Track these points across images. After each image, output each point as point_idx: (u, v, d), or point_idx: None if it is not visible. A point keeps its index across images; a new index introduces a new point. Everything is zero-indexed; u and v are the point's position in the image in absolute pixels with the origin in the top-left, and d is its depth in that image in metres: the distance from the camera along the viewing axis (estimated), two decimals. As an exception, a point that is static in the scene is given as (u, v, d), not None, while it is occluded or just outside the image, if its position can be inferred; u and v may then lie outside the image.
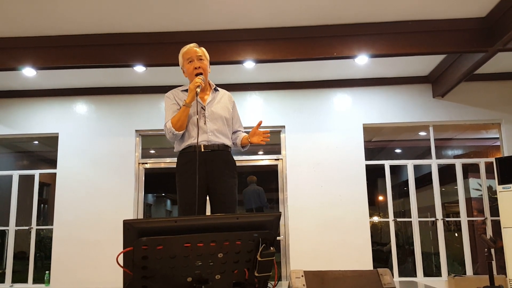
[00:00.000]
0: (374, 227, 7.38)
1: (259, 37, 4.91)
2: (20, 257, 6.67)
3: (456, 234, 6.55)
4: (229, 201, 2.90)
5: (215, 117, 2.95)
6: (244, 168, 6.73)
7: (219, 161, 2.89)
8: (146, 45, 4.99)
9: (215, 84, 3.14)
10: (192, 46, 3.03)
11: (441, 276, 6.08)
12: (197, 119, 2.89)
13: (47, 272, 6.15)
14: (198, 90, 2.81)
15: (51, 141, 6.65)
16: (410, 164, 6.36)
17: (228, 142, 2.99)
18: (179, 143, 3.01)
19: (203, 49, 3.05)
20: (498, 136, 6.45)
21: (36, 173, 6.61)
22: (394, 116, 6.35)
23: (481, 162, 6.36)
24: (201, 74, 2.92)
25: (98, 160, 6.37)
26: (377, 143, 7.64)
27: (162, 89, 6.40)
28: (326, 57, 5.00)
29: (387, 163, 6.39)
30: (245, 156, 6.34)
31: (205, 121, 2.93)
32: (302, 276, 2.87)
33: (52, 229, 6.25)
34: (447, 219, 6.33)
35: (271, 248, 1.62)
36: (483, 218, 6.29)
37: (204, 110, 2.96)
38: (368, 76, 6.31)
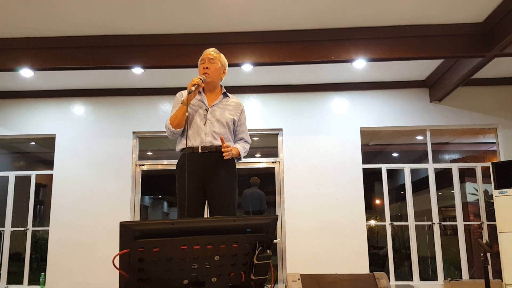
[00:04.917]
0: (370, 231, 7.39)
1: (257, 40, 4.92)
2: (16, 258, 6.64)
3: (453, 238, 6.56)
4: (226, 203, 2.89)
5: (216, 120, 2.96)
6: (241, 171, 6.71)
7: (216, 163, 2.88)
8: (144, 47, 5.00)
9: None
10: (209, 50, 3.07)
11: (437, 280, 6.08)
12: (188, 116, 2.88)
13: (42, 273, 6.12)
14: (193, 88, 2.82)
15: (48, 142, 6.63)
16: (407, 168, 6.38)
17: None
18: (178, 142, 3.02)
19: (222, 55, 3.09)
20: (494, 140, 6.47)
21: (33, 174, 6.59)
22: (392, 120, 6.37)
23: (478, 166, 6.37)
24: (206, 73, 2.95)
25: (95, 161, 6.36)
26: (374, 146, 7.66)
27: (160, 91, 6.46)
28: (324, 61, 5.01)
29: (384, 167, 6.40)
30: (242, 159, 6.32)
31: (205, 122, 2.94)
32: (299, 279, 2.87)
33: (48, 230, 6.23)
34: (443, 223, 6.34)
35: (268, 251, 1.62)
36: (479, 223, 6.30)
37: (207, 111, 2.97)
38: (366, 80, 6.33)
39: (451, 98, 6.20)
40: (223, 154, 2.83)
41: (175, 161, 3.02)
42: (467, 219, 6.60)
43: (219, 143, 2.90)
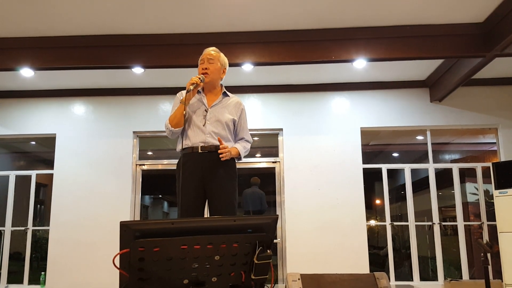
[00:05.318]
0: (371, 231, 7.38)
1: (257, 40, 4.92)
2: (16, 257, 6.64)
3: (453, 239, 6.56)
4: (225, 203, 2.88)
5: (215, 120, 2.95)
6: (241, 171, 6.71)
7: (216, 162, 2.87)
8: (144, 47, 5.00)
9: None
10: (209, 49, 3.05)
11: (437, 280, 6.08)
12: (186, 117, 2.87)
13: (42, 273, 6.13)
14: (191, 87, 2.81)
15: (49, 141, 6.63)
16: (407, 168, 6.37)
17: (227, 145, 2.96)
18: (178, 142, 3.01)
19: (222, 54, 3.07)
20: (495, 141, 6.47)
21: (33, 173, 6.59)
22: (392, 120, 6.37)
23: (478, 166, 6.37)
24: (205, 73, 2.94)
25: (95, 161, 6.36)
26: (375, 146, 7.66)
27: (160, 91, 6.46)
28: (324, 61, 5.01)
29: (384, 167, 6.40)
30: (242, 159, 6.32)
31: (204, 123, 2.93)
32: (299, 279, 2.88)
33: (48, 230, 6.23)
34: (443, 223, 6.34)
35: (268, 251, 1.62)
36: (479, 223, 6.30)
37: (207, 112, 2.96)
38: (366, 79, 6.32)
39: (452, 98, 6.20)
40: (220, 156, 2.82)
41: (175, 161, 3.02)
42: (467, 219, 6.60)
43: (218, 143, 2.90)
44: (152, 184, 8.73)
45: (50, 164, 6.53)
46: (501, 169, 5.53)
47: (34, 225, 6.51)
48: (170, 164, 6.50)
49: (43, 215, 8.01)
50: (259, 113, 6.44)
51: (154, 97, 6.50)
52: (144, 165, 6.51)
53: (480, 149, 7.62)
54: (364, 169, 6.25)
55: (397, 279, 6.20)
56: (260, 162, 6.54)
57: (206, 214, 3.16)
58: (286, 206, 6.16)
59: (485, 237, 6.18)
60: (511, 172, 5.44)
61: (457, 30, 4.75)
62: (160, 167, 6.64)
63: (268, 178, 6.70)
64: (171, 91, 5.92)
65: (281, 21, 4.69)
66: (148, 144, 6.78)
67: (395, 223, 6.36)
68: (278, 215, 1.98)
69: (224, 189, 2.89)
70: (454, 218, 6.31)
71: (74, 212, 6.21)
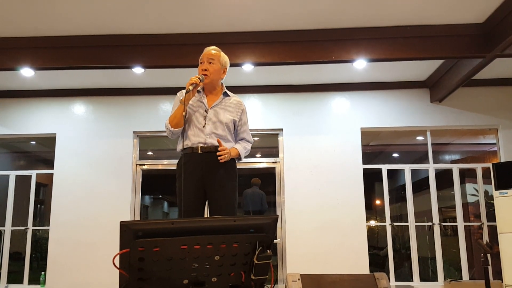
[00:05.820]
0: (371, 231, 7.38)
1: (258, 40, 4.92)
2: (16, 257, 6.64)
3: (453, 239, 6.56)
4: (225, 203, 2.88)
5: (215, 121, 2.94)
6: (241, 171, 6.70)
7: (216, 163, 2.86)
8: (144, 47, 5.00)
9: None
10: (209, 48, 3.03)
11: (437, 280, 6.08)
12: (186, 117, 2.86)
13: (42, 273, 6.13)
14: (191, 88, 2.80)
15: (49, 141, 6.64)
16: (407, 168, 6.37)
17: (227, 146, 2.96)
18: (178, 142, 3.01)
19: (222, 54, 3.04)
20: (495, 141, 6.47)
21: (33, 173, 6.59)
22: (392, 121, 6.37)
23: (478, 167, 6.37)
24: (205, 75, 2.93)
25: (95, 161, 6.36)
26: (375, 147, 7.65)
27: (160, 91, 6.46)
28: (324, 61, 5.01)
29: (384, 167, 6.40)
30: (243, 159, 6.32)
31: (204, 124, 2.93)
32: (299, 279, 2.88)
33: (48, 230, 6.23)
34: (443, 224, 6.34)
35: (268, 251, 1.62)
36: (479, 223, 6.30)
37: (207, 112, 2.96)
38: (366, 80, 6.32)
39: (452, 98, 6.20)
40: (219, 158, 2.82)
41: (176, 161, 3.02)
42: (467, 220, 6.60)
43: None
44: (152, 184, 8.74)
45: (50, 164, 6.53)
46: (501, 169, 5.53)
47: (34, 225, 6.51)
48: (170, 164, 6.50)
49: (43, 215, 8.01)
50: (259, 113, 6.44)
51: (154, 97, 6.50)
52: (144, 165, 6.51)
53: (480, 149, 7.62)
54: (364, 170, 6.25)
55: (397, 279, 6.20)
56: (260, 162, 6.54)
57: (206, 214, 3.16)
58: (286, 206, 6.15)
59: (485, 237, 6.18)
60: (511, 172, 5.44)
61: (457, 30, 4.75)
62: (160, 167, 6.64)
63: (268, 178, 6.70)
64: (171, 91, 5.92)
65: (281, 21, 4.69)
66: (148, 144, 6.78)
67: (395, 224, 6.36)
68: (278, 215, 1.98)
69: (224, 189, 2.89)
70: (454, 219, 6.31)
71: (74, 212, 6.21)
